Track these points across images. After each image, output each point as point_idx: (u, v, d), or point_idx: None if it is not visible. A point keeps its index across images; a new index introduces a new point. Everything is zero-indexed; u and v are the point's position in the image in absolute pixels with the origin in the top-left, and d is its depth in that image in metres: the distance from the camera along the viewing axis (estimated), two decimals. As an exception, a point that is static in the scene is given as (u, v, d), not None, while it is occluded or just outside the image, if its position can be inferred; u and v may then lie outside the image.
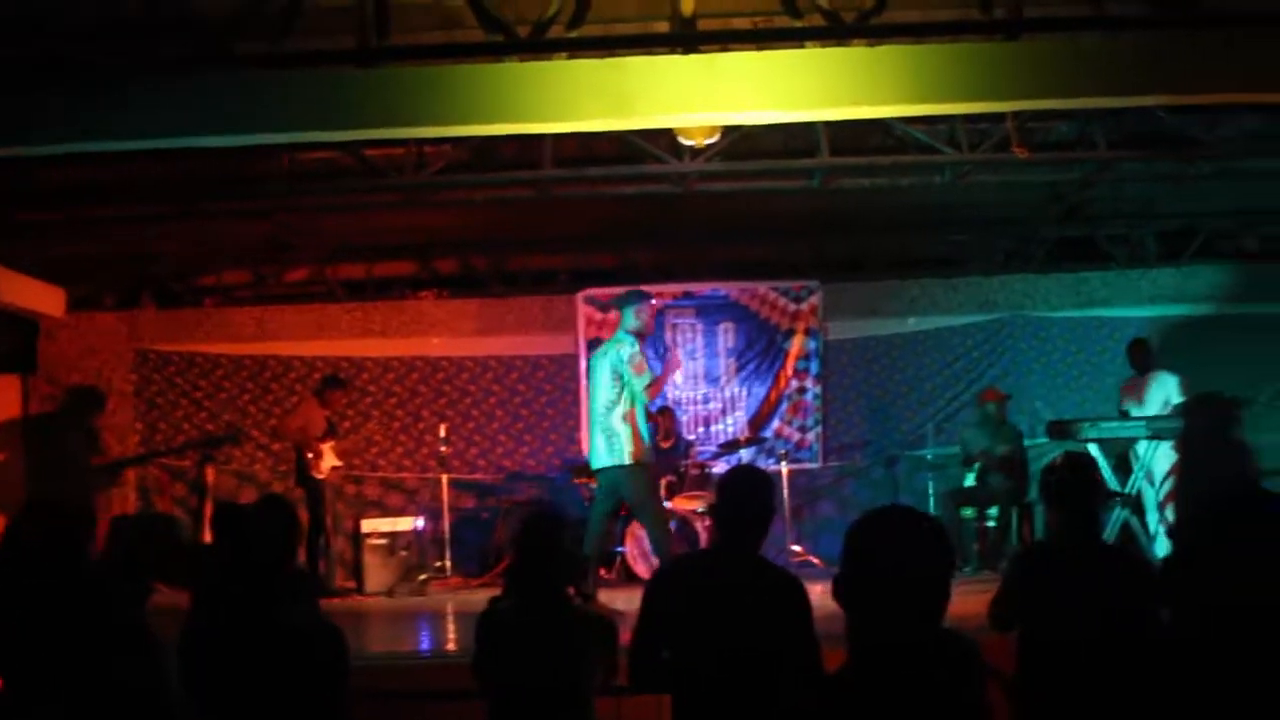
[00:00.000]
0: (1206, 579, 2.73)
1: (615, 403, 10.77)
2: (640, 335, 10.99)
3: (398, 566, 13.87)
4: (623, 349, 10.83)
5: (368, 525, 14.00)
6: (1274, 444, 15.42)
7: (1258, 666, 2.72)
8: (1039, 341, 15.95)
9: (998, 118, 11.81)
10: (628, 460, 10.69)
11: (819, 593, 5.43)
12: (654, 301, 11.51)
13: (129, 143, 9.49)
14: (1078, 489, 5.87)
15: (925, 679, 3.04)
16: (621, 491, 10.87)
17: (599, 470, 10.99)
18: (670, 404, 15.49)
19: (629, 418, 10.75)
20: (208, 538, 14.00)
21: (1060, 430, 12.58)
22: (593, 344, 15.76)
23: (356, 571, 13.93)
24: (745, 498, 5.53)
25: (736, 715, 5.14)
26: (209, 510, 14.13)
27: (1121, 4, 9.13)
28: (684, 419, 15.73)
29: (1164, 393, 13.63)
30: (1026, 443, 14.06)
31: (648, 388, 10.74)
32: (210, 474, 14.66)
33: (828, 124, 11.87)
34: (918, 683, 3.03)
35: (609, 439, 10.78)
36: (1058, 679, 5.48)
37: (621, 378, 10.74)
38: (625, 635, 5.63)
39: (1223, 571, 2.70)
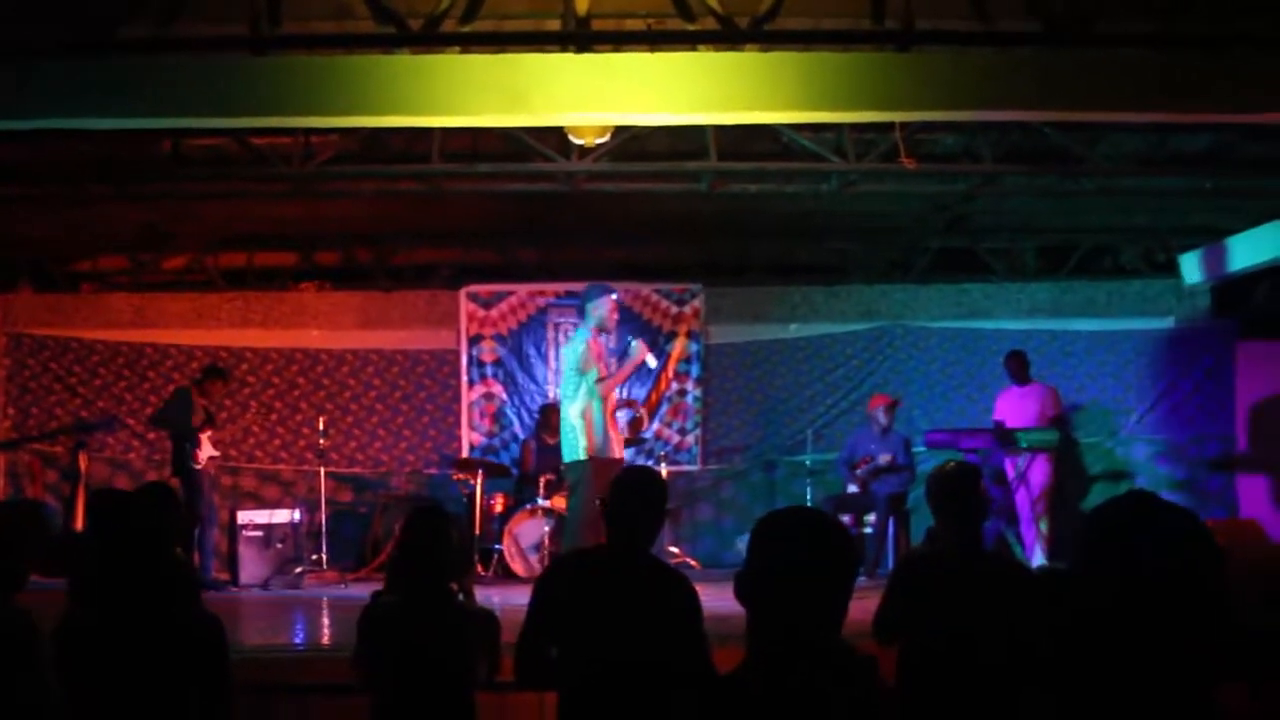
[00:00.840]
0: (1098, 591, 2.77)
1: (573, 398, 10.89)
2: (601, 329, 11.17)
3: (273, 559, 13.71)
4: (577, 345, 10.99)
5: (243, 516, 13.85)
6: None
7: (1144, 681, 2.76)
8: (919, 351, 16.08)
9: (885, 128, 11.90)
10: (582, 455, 10.80)
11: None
12: (614, 296, 11.44)
13: (5, 124, 9.35)
14: (967, 498, 5.92)
15: (823, 686, 3.06)
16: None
17: (567, 465, 11.19)
18: (555, 400, 15.47)
19: (585, 414, 10.82)
20: (79, 525, 13.83)
21: (1007, 439, 12.80)
22: (474, 339, 15.78)
23: (231, 563, 13.78)
24: (639, 497, 5.54)
25: (623, 714, 5.15)
26: (81, 497, 13.95)
27: (1013, 20, 9.24)
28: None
29: (1040, 405, 13.85)
30: (912, 450, 14.14)
31: (599, 382, 10.83)
32: (83, 461, 14.45)
33: (716, 128, 11.92)
34: (815, 690, 3.05)
35: (570, 434, 10.93)
36: (940, 690, 5.52)
37: (579, 374, 10.83)
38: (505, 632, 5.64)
39: (1115, 583, 2.73)
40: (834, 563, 3.15)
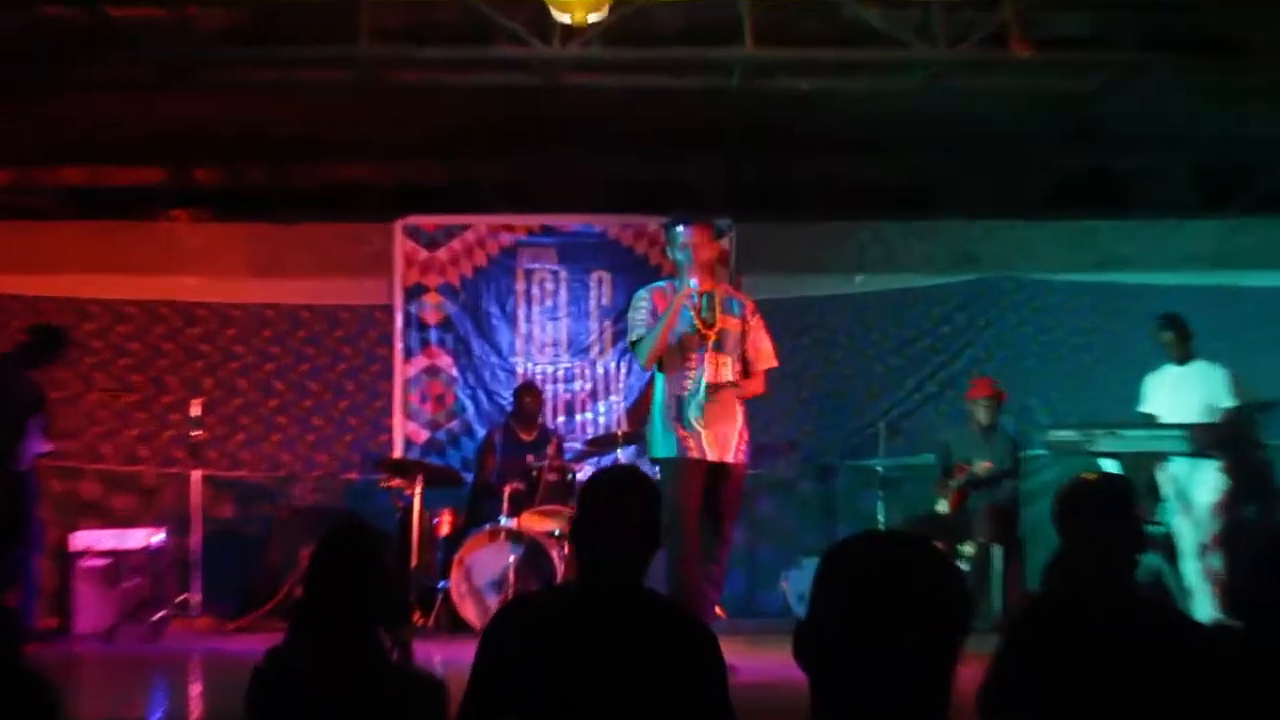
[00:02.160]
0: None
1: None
2: (691, 271, 10.44)
3: (122, 599, 13.66)
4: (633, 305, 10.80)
5: (82, 539, 13.79)
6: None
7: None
8: (1034, 313, 16.06)
9: (988, 3, 11.89)
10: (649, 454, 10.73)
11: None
12: (684, 224, 10.64)
13: None
14: (1114, 523, 5.86)
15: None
16: None
17: None
18: (532, 378, 15.46)
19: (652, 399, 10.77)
20: None
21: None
22: (413, 291, 15.72)
23: (62, 605, 13.73)
24: (612, 509, 5.31)
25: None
26: None
27: None
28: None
29: (1207, 392, 13.78)
30: (1021, 455, 14.06)
31: (632, 345, 10.74)
32: None
33: (752, 2, 11.89)
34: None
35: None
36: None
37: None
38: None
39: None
40: (937, 615, 3.08)
